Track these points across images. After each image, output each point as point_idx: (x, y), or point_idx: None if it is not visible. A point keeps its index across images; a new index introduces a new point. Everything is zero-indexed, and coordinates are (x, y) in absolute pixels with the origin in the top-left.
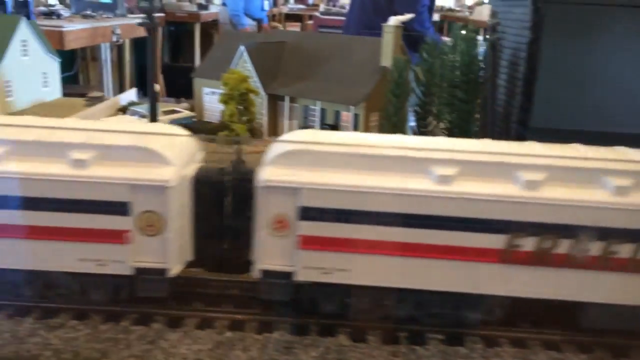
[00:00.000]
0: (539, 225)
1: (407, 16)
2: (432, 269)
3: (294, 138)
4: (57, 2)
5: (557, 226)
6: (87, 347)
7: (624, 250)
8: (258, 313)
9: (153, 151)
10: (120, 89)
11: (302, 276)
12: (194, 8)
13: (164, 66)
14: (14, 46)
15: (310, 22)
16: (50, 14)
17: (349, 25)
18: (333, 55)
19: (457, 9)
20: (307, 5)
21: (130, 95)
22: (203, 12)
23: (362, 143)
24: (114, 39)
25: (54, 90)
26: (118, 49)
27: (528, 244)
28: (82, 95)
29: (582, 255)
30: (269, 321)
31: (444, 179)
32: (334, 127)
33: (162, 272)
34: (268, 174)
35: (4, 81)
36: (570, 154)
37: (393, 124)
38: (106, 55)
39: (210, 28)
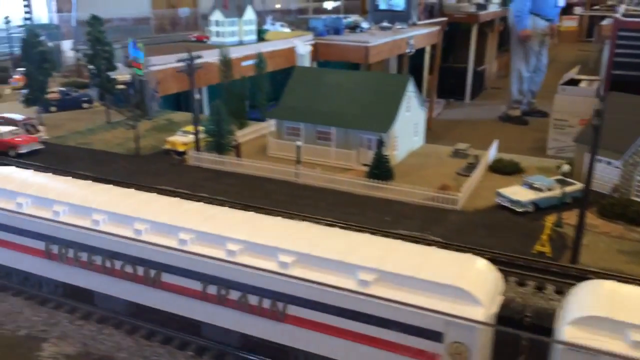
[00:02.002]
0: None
1: None
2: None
3: None
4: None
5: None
6: None
7: None
8: None
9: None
10: None
11: None
12: (472, 9)
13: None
14: (403, 104)
15: (604, 22)
16: (355, 28)
17: None
18: None
19: None
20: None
21: (492, 151)
22: (481, 13)
23: None
24: (408, 50)
25: (419, 138)
26: (400, 56)
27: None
28: None
29: None
30: None
31: None
32: None
33: None
34: None
35: (394, 137)
36: None
37: None
38: (392, 63)
39: (485, 27)
